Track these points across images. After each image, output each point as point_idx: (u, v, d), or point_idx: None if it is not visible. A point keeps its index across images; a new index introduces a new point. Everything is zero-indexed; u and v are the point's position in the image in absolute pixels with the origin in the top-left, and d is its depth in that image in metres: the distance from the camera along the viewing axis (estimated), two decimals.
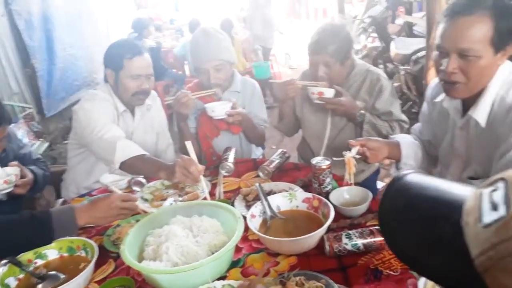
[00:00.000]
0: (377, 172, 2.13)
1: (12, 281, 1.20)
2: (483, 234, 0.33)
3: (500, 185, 0.34)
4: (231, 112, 1.93)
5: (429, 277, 0.40)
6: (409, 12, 5.80)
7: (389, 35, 5.06)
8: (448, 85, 1.30)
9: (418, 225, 0.39)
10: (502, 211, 0.32)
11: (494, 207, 0.33)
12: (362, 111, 1.81)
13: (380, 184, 2.17)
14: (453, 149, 1.44)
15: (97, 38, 5.40)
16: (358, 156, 1.47)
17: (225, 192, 1.69)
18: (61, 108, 4.51)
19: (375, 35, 5.50)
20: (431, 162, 1.66)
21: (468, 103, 1.32)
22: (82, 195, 1.83)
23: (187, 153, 2.16)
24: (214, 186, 1.73)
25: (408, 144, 1.56)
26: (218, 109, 1.93)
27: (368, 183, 1.98)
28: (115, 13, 6.16)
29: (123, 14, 6.51)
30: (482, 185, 0.37)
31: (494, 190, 0.34)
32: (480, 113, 1.27)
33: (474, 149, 1.35)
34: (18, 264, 1.20)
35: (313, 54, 1.86)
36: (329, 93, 1.80)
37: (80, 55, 4.96)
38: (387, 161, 1.70)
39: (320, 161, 1.50)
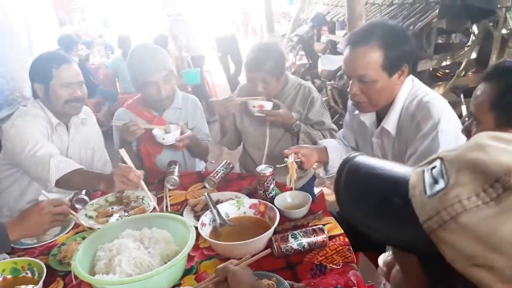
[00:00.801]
0: (313, 178, 2.29)
1: None
2: (428, 203, 0.42)
3: (437, 163, 0.45)
4: (181, 137, 1.96)
5: (385, 241, 0.47)
6: (332, 31, 6.23)
7: (315, 53, 5.39)
8: (355, 104, 1.53)
9: (371, 199, 0.47)
10: (441, 184, 0.42)
11: (435, 181, 0.43)
12: (297, 122, 1.96)
13: (316, 190, 2.33)
14: (372, 156, 1.63)
15: (19, 55, 5.09)
16: (298, 160, 1.60)
17: (172, 205, 1.72)
18: None
19: (302, 52, 5.82)
20: None
21: (382, 115, 1.53)
22: None
23: None
24: (160, 199, 1.75)
25: (334, 148, 1.77)
26: (169, 137, 1.94)
27: (306, 189, 2.10)
28: (38, 29, 5.85)
29: (47, 30, 6.20)
30: (421, 164, 0.47)
31: (433, 168, 0.45)
32: (391, 124, 1.49)
33: (388, 155, 1.56)
34: None
35: (251, 72, 1.98)
36: (268, 105, 1.92)
37: (1, 71, 4.63)
38: (315, 165, 1.87)
39: (264, 169, 1.60)
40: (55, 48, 5.43)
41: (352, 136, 1.84)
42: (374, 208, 0.47)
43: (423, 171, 0.45)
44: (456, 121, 1.40)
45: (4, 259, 1.34)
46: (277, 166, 1.64)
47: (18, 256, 1.40)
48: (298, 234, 1.31)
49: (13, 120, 1.81)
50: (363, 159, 0.52)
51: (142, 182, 1.55)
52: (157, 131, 1.96)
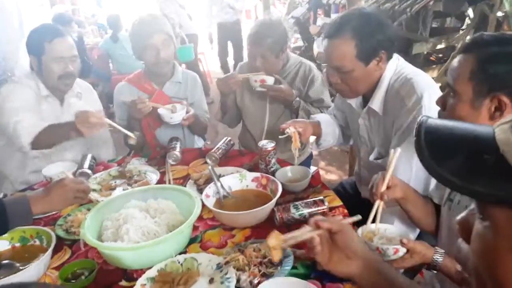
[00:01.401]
0: (310, 157, 2.33)
1: None
2: None
3: None
4: (187, 116, 1.98)
5: (473, 195, 0.48)
6: (327, 14, 6.20)
7: (311, 35, 5.39)
8: (338, 91, 1.62)
9: (458, 157, 0.48)
10: None
11: None
12: (298, 99, 1.99)
13: (312, 169, 2.37)
14: (359, 136, 1.69)
15: (10, 36, 5.02)
16: (300, 129, 1.64)
17: (174, 179, 1.75)
18: None
19: (298, 35, 5.81)
20: (346, 139, 1.94)
21: (368, 96, 1.56)
22: (23, 190, 1.76)
23: (132, 146, 2.17)
24: (162, 174, 1.78)
25: (327, 122, 1.80)
26: (176, 116, 1.95)
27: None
28: (29, 9, 5.75)
29: (38, 10, 6.10)
30: (502, 122, 0.48)
31: None
32: (377, 103, 1.52)
33: (374, 134, 1.61)
34: None
35: (252, 45, 1.99)
36: (270, 80, 1.96)
37: None
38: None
39: (266, 143, 1.64)
40: None
41: (341, 116, 1.89)
42: (461, 165, 0.48)
43: (510, 127, 0.46)
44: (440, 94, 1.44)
45: None
46: (279, 137, 1.67)
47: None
48: (300, 205, 1.35)
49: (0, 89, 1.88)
50: (435, 120, 0.54)
51: (107, 120, 1.73)
52: (164, 111, 1.97)
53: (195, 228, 1.37)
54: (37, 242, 1.28)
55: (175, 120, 1.96)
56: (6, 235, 1.27)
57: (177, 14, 5.43)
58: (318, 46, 4.91)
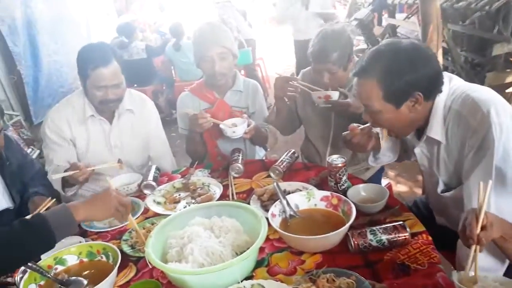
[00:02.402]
0: (381, 170, 2.16)
1: None
2: None
3: None
4: (248, 129, 1.92)
5: None
6: (392, 14, 5.92)
7: (375, 37, 5.16)
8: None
9: None
10: None
11: None
12: None
13: (384, 182, 2.21)
14: (419, 164, 1.51)
15: (79, 44, 5.31)
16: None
17: (237, 193, 1.69)
18: None
19: (360, 37, 5.60)
20: (408, 156, 1.70)
21: (421, 125, 1.37)
22: None
23: (194, 156, 2.15)
24: (225, 187, 1.72)
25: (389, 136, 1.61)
26: (238, 130, 1.90)
27: (373, 181, 2.00)
28: (96, 19, 6.07)
29: (104, 20, 6.42)
30: None
31: None
32: (437, 131, 1.32)
33: (438, 165, 1.40)
34: (39, 271, 1.17)
35: (317, 63, 1.88)
36: (335, 95, 1.82)
37: (64, 61, 4.84)
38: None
39: (336, 159, 1.52)
40: (113, 37, 5.60)
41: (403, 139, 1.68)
42: None
43: None
44: (507, 108, 1.23)
45: (80, 242, 1.37)
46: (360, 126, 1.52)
47: (92, 239, 1.44)
48: (378, 230, 1.22)
49: (48, 114, 1.92)
50: None
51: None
52: (225, 126, 1.92)
53: (261, 249, 1.29)
54: (104, 258, 1.27)
55: (237, 134, 1.91)
56: (74, 249, 1.28)
57: (235, 19, 5.47)
58: None
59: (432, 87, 1.28)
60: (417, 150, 1.44)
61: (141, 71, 5.30)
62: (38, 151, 3.70)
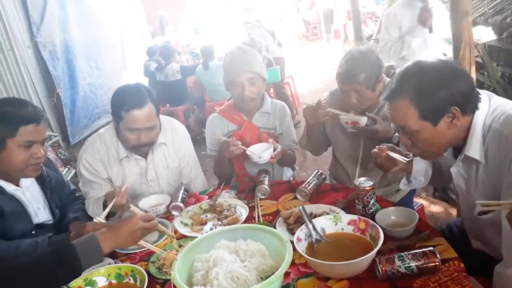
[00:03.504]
0: (412, 191, 2.10)
1: None
2: None
3: None
4: (275, 154, 1.93)
5: None
6: None
7: None
8: (415, 155, 1.44)
9: None
10: None
11: None
12: (396, 134, 1.80)
13: (416, 203, 2.14)
14: (454, 185, 1.46)
15: (114, 66, 5.53)
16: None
17: (263, 215, 1.69)
18: (84, 136, 4.58)
19: None
20: (446, 180, 1.62)
21: (459, 144, 1.33)
22: None
23: (221, 177, 2.17)
24: (251, 209, 1.73)
25: (420, 160, 1.56)
26: (265, 155, 1.92)
27: (405, 203, 1.96)
28: (131, 41, 6.30)
29: (139, 42, 6.66)
30: None
31: None
32: (476, 150, 1.27)
33: (476, 185, 1.35)
34: None
35: (344, 84, 1.88)
36: (363, 121, 1.81)
37: (99, 83, 5.06)
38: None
39: (364, 182, 1.49)
40: (147, 59, 5.78)
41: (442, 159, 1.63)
42: None
43: None
44: None
45: (109, 263, 1.40)
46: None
47: (121, 261, 1.48)
48: (406, 256, 1.18)
49: (82, 152, 1.91)
50: None
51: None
52: (252, 153, 1.94)
53: (286, 274, 1.28)
54: (131, 281, 1.29)
55: (263, 160, 1.92)
56: (103, 271, 1.31)
57: (264, 38, 5.56)
58: None
59: (468, 101, 1.25)
60: (453, 170, 1.40)
61: (174, 92, 5.45)
62: (74, 171, 3.85)
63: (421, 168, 1.57)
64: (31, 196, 1.66)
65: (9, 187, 1.59)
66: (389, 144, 1.57)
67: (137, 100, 1.73)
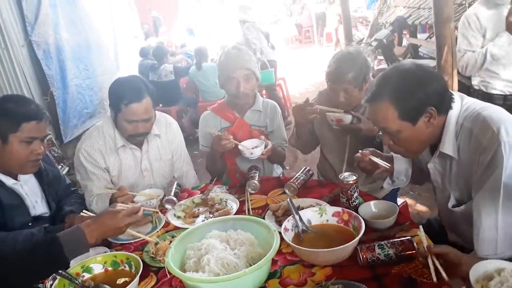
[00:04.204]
0: (397, 188, 2.19)
1: None
2: None
3: None
4: (266, 151, 2.01)
5: None
6: (413, 34, 5.95)
7: (395, 57, 5.19)
8: (397, 153, 1.52)
9: None
10: None
11: None
12: (380, 133, 1.89)
13: (399, 201, 2.23)
14: (431, 181, 1.55)
15: (106, 67, 5.55)
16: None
17: (253, 209, 1.76)
18: (76, 135, 4.60)
19: (381, 57, 5.64)
20: (426, 177, 1.69)
21: (434, 141, 1.42)
22: None
23: (213, 172, 2.24)
24: (242, 203, 1.80)
25: (400, 160, 1.66)
26: (256, 151, 2.00)
27: (389, 199, 2.04)
28: (124, 42, 6.32)
29: (132, 43, 6.69)
30: None
31: None
32: (449, 147, 1.37)
33: (450, 180, 1.44)
34: (68, 277, 1.27)
35: (333, 83, 1.97)
36: (347, 119, 1.90)
37: (87, 84, 5.07)
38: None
39: (348, 176, 1.57)
40: (141, 59, 5.82)
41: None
42: None
43: None
44: None
45: (105, 252, 1.47)
46: (385, 154, 1.62)
47: (116, 250, 1.54)
48: (385, 244, 1.27)
49: (80, 144, 2.00)
50: None
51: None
52: (244, 147, 2.02)
53: (274, 262, 1.35)
54: (127, 268, 1.36)
55: (255, 155, 2.00)
56: (100, 258, 1.37)
57: (259, 40, 5.63)
58: None
59: (442, 101, 1.33)
60: (430, 166, 1.49)
61: (168, 92, 5.50)
62: (67, 168, 3.89)
63: (402, 168, 1.66)
64: (29, 190, 1.72)
65: (8, 181, 1.65)
66: (371, 149, 1.65)
67: (136, 94, 1.82)
